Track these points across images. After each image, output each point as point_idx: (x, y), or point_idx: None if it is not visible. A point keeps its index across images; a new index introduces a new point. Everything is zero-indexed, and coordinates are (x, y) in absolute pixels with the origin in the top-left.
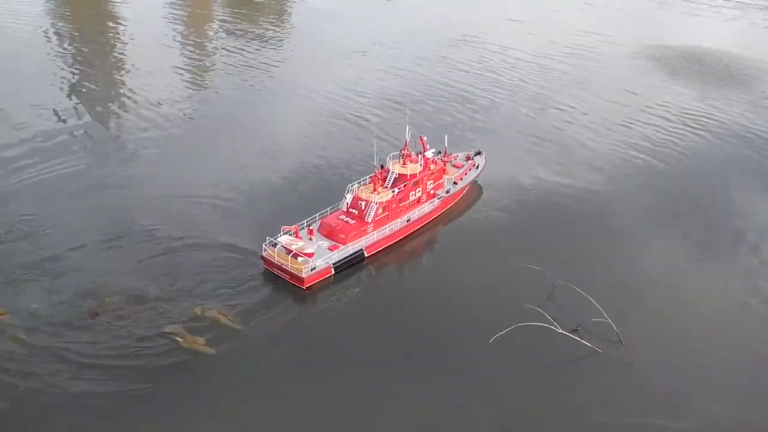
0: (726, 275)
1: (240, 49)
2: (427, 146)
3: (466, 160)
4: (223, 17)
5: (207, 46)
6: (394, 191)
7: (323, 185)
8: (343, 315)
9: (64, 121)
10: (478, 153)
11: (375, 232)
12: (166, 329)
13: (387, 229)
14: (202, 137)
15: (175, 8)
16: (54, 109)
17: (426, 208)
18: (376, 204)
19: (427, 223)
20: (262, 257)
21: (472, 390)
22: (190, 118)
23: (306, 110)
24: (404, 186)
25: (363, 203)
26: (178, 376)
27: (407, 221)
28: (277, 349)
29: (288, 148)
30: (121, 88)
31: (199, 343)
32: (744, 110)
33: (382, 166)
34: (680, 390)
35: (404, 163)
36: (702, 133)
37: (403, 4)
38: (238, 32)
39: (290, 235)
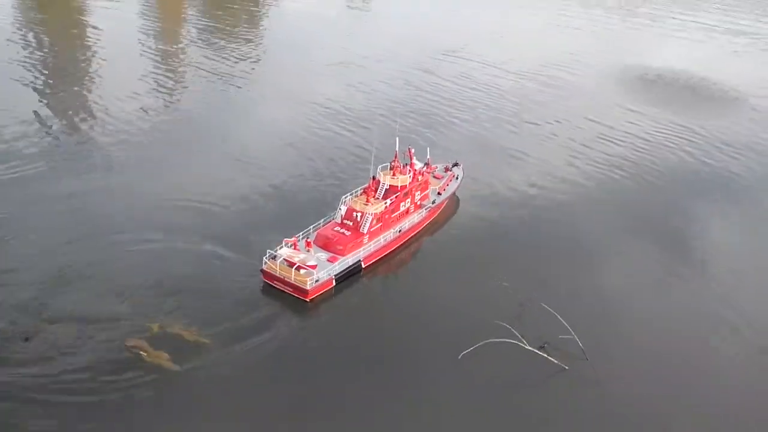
0: (696, 291)
1: (221, 59)
2: (415, 158)
3: (445, 171)
4: (201, 27)
5: (186, 56)
6: (386, 202)
7: (310, 196)
8: (344, 327)
9: (37, 125)
10: (456, 164)
11: (371, 243)
12: (128, 342)
13: (381, 240)
14: (184, 147)
15: (153, 19)
16: (28, 114)
17: (415, 218)
18: (371, 215)
19: (415, 234)
20: (262, 270)
21: (440, 407)
22: (172, 127)
23: (291, 121)
24: (396, 197)
25: (358, 215)
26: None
27: (398, 232)
28: (264, 368)
29: (274, 159)
30: (100, 94)
31: (164, 357)
32: (716, 130)
33: (373, 178)
34: (646, 409)
35: (394, 174)
36: (677, 152)
37: (386, 25)
38: (219, 42)
39: (289, 247)
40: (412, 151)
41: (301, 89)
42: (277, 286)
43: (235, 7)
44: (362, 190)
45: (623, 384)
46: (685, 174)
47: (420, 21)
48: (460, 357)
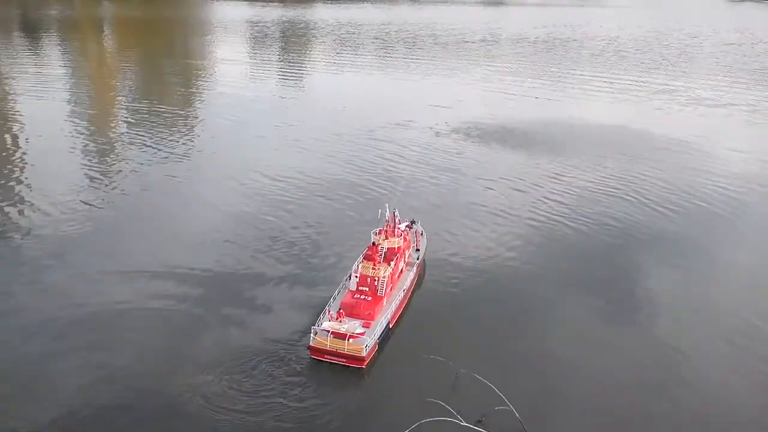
0: (638, 349)
1: (161, 144)
2: (398, 220)
3: (408, 229)
4: (136, 110)
5: (125, 144)
6: (390, 264)
7: (303, 265)
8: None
9: None
10: (414, 221)
11: (391, 304)
12: None
13: (397, 300)
14: (142, 230)
15: (84, 109)
16: None
17: (410, 275)
18: (386, 278)
19: (411, 290)
20: (311, 347)
21: None
22: (118, 214)
23: (249, 194)
24: (396, 258)
25: (374, 280)
26: None
27: (403, 291)
28: None
29: (248, 237)
30: (37, 188)
31: None
32: (653, 183)
33: (373, 244)
34: None
35: (387, 237)
36: (624, 206)
37: (332, 102)
38: (156, 126)
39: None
40: (396, 212)
41: (267, 164)
42: (329, 359)
43: (171, 87)
44: (363, 257)
45: None
46: (629, 230)
47: (358, 95)
48: None
